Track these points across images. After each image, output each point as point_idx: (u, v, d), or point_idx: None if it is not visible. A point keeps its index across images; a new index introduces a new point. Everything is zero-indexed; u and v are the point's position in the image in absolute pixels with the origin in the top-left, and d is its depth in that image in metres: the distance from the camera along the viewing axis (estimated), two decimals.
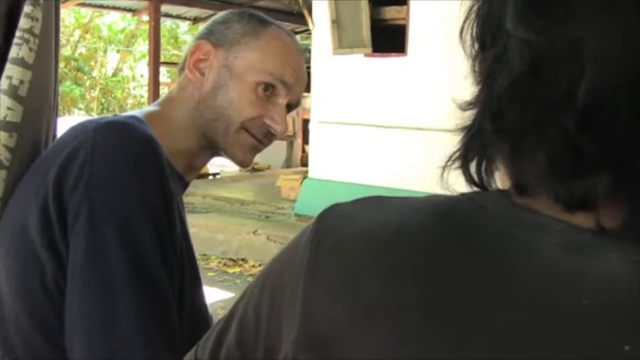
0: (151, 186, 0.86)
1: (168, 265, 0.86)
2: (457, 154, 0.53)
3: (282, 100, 1.07)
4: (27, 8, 0.96)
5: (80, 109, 21.02)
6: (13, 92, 0.94)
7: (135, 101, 22.05)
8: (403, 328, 0.47)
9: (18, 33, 0.95)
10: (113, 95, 22.11)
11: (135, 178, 0.85)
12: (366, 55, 6.81)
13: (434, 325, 0.46)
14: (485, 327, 0.45)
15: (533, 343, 0.44)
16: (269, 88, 1.05)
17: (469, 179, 0.53)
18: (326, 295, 0.51)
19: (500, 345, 0.45)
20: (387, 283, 0.49)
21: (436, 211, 0.52)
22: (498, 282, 0.46)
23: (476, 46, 0.52)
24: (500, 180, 0.53)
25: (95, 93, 21.77)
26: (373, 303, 0.48)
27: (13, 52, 0.95)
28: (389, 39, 6.66)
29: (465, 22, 0.53)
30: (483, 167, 0.52)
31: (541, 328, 0.44)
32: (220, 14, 1.13)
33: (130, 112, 1.05)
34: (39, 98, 0.98)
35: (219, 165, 9.17)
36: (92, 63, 21.79)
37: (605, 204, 0.46)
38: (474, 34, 0.52)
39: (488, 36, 0.50)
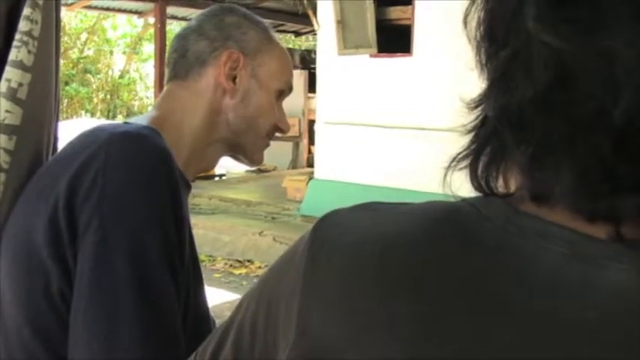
0: (163, 200, 0.85)
1: (176, 279, 0.85)
2: (464, 155, 0.50)
3: (282, 103, 1.13)
4: (26, 11, 0.95)
5: (87, 110, 21.10)
6: (11, 95, 0.93)
7: (141, 103, 22.11)
8: (399, 343, 0.45)
9: (17, 35, 0.95)
10: (120, 97, 22.17)
11: (147, 192, 0.84)
12: (371, 55, 6.80)
13: (431, 339, 0.45)
14: (485, 341, 0.43)
15: (533, 358, 0.42)
16: (282, 94, 1.12)
17: (476, 184, 0.50)
18: (322, 309, 0.49)
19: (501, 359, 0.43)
20: (383, 295, 0.47)
21: (435, 219, 0.49)
22: (498, 294, 0.44)
23: (482, 32, 0.49)
24: (508, 183, 0.50)
25: (101, 95, 21.85)
26: (369, 317, 0.47)
27: (12, 54, 0.94)
28: (394, 39, 6.64)
29: (470, 6, 0.49)
30: (494, 172, 0.49)
31: (543, 341, 0.42)
32: (220, 12, 1.11)
33: (137, 118, 1.04)
34: (39, 101, 0.98)
35: (225, 166, 9.18)
36: (99, 65, 21.86)
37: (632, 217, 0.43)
38: (482, 22, 0.49)
39: (500, 27, 0.47)
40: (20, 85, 0.93)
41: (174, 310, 0.85)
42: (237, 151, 1.11)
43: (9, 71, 0.94)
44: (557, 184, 0.44)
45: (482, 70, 0.49)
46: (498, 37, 0.47)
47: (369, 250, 0.49)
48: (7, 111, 0.92)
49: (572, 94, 0.43)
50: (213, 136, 1.06)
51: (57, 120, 1.06)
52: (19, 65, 0.94)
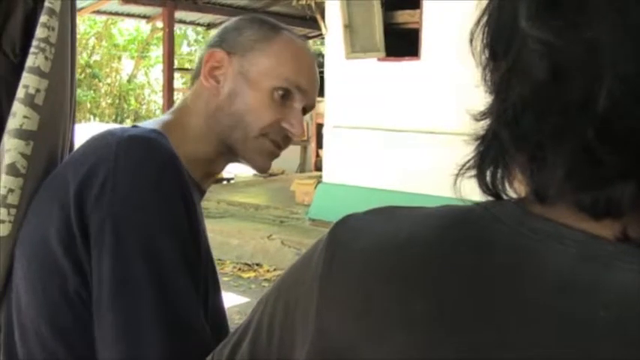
0: (174, 201, 0.86)
1: (194, 276, 0.87)
2: (471, 163, 0.52)
3: (298, 105, 1.08)
4: (43, 18, 0.97)
5: (95, 114, 21.20)
6: (29, 101, 0.95)
7: (149, 107, 22.19)
8: (415, 341, 0.47)
9: (34, 42, 0.96)
10: (127, 102, 22.26)
11: (157, 194, 0.86)
12: (379, 59, 6.80)
13: (446, 338, 0.46)
14: (500, 340, 0.45)
15: (547, 356, 0.43)
16: (285, 93, 1.06)
17: (485, 189, 0.52)
18: (338, 309, 0.51)
19: (514, 358, 0.44)
20: (398, 296, 0.49)
21: (448, 222, 0.51)
22: (512, 294, 0.46)
23: (487, 53, 0.51)
24: (517, 188, 0.52)
25: (109, 100, 21.94)
26: (384, 316, 0.48)
27: (30, 61, 0.96)
28: (402, 43, 6.64)
29: (474, 28, 0.52)
30: (499, 176, 0.51)
31: (557, 340, 0.43)
32: (231, 21, 1.14)
33: (147, 122, 1.06)
34: (55, 106, 0.99)
35: (234, 170, 9.20)
36: (107, 70, 21.96)
37: (633, 212, 0.45)
38: (485, 42, 0.51)
39: (500, 44, 0.49)
40: (37, 91, 0.95)
41: (195, 305, 0.86)
42: (232, 153, 1.09)
43: (26, 77, 0.95)
44: (551, 179, 0.46)
45: (487, 86, 0.52)
46: (500, 53, 0.49)
47: (385, 252, 0.51)
48: (24, 117, 0.94)
49: (562, 86, 0.45)
50: (211, 137, 1.06)
51: (73, 124, 1.08)
52: (37, 71, 0.95)
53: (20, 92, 0.95)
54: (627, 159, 0.44)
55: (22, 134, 0.94)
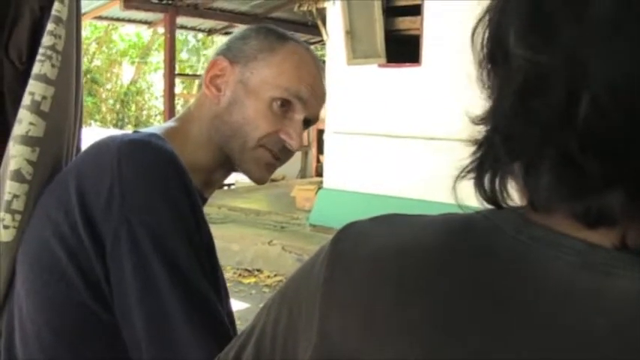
0: (180, 200, 0.87)
1: (206, 273, 0.88)
2: (470, 167, 0.53)
3: (299, 116, 1.07)
4: (50, 26, 0.98)
5: (95, 119, 21.25)
6: (35, 108, 0.95)
7: (149, 113, 22.24)
8: (417, 345, 0.47)
9: (41, 50, 0.97)
10: (128, 107, 22.30)
11: (164, 195, 0.86)
12: (380, 65, 6.81)
13: (447, 341, 0.47)
14: (497, 347, 0.45)
15: None
16: (285, 103, 1.05)
17: (484, 197, 0.52)
18: (341, 315, 0.52)
19: None
20: (398, 302, 0.49)
21: (449, 230, 0.52)
22: (511, 299, 0.46)
23: (485, 53, 0.52)
24: (515, 196, 0.53)
25: (110, 105, 21.99)
26: (386, 322, 0.49)
27: (36, 68, 0.97)
28: (403, 49, 6.66)
29: (477, 26, 0.53)
30: (497, 183, 0.52)
31: (554, 345, 0.44)
32: (240, 29, 1.14)
33: (149, 129, 1.06)
34: (61, 113, 1.00)
35: (235, 176, 9.19)
36: (108, 75, 22.02)
37: (629, 221, 0.45)
38: (485, 46, 0.52)
39: (498, 52, 0.50)
40: (44, 98, 0.96)
41: (216, 302, 0.87)
42: (230, 163, 1.08)
43: (32, 84, 0.96)
44: (543, 188, 0.47)
45: (485, 90, 0.52)
46: (499, 61, 0.50)
47: (387, 259, 0.52)
48: (30, 123, 0.95)
49: (543, 98, 0.46)
50: (211, 145, 1.07)
51: (80, 130, 1.09)
52: (43, 79, 0.96)
53: (26, 99, 0.96)
54: (610, 168, 0.44)
55: (27, 141, 0.95)
